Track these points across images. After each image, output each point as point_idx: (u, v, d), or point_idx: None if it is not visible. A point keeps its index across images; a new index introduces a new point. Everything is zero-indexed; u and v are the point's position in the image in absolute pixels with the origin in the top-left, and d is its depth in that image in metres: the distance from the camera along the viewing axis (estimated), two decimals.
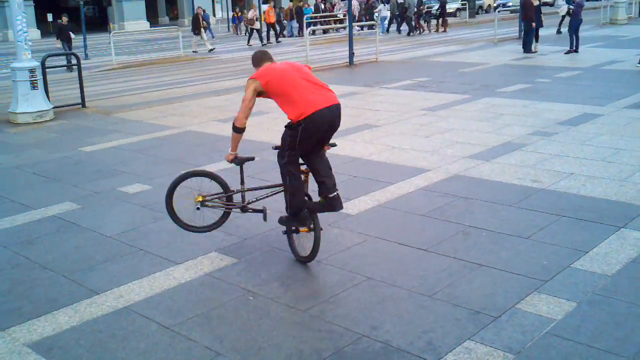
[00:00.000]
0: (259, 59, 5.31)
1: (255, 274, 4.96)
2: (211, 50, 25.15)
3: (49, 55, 13.10)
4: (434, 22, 31.92)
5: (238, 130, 5.12)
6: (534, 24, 19.16)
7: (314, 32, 28.29)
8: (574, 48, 18.82)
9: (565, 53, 18.80)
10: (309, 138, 4.80)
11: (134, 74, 19.20)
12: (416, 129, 9.70)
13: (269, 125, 10.43)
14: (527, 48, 19.39)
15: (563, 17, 24.73)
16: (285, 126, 4.95)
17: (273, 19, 29.57)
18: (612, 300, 4.35)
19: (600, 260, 4.94)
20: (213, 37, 32.56)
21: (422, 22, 30.87)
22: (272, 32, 30.07)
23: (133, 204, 6.76)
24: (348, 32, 18.83)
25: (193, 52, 25.24)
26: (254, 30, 28.22)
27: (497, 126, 9.69)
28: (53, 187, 7.49)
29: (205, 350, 3.92)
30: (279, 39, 29.83)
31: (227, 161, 5.24)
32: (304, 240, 5.18)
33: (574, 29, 18.71)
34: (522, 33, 20.29)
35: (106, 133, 10.44)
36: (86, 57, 23.98)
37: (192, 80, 16.82)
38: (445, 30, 31.08)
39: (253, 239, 5.64)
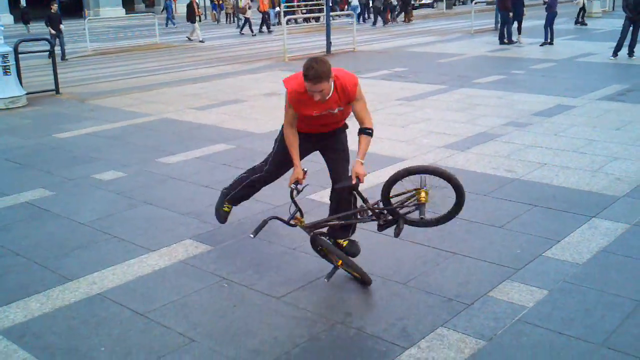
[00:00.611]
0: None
1: (230, 261, 4.95)
2: (201, 41, 24.20)
3: (22, 41, 12.89)
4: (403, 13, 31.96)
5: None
6: (511, 14, 19.30)
7: (295, 21, 28.06)
8: (549, 40, 18.98)
9: (540, 45, 18.97)
10: None
11: (109, 61, 18.99)
12: (392, 119, 9.73)
13: (245, 113, 10.39)
14: (503, 39, 19.51)
15: (580, 9, 25.17)
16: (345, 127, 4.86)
17: (267, 7, 28.71)
18: (583, 288, 4.42)
19: (571, 249, 5.01)
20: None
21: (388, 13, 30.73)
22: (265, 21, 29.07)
23: (107, 191, 6.70)
24: (325, 22, 18.79)
25: (188, 38, 24.64)
26: (247, 19, 27.38)
27: (472, 117, 9.75)
28: (26, 174, 7.40)
29: (179, 337, 3.91)
30: (271, 29, 28.97)
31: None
32: None
33: (549, 22, 18.87)
34: (499, 25, 20.39)
35: (80, 120, 10.32)
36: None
37: (168, 68, 16.68)
38: (408, 21, 30.96)
39: (228, 227, 5.62)
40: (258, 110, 10.59)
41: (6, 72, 11.48)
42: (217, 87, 13.20)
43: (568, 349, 3.71)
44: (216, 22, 36.67)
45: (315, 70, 4.10)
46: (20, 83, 11.94)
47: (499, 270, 4.71)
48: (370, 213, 4.60)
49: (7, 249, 5.27)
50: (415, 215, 4.48)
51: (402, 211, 4.50)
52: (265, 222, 4.27)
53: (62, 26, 18.91)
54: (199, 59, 18.64)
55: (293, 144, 4.54)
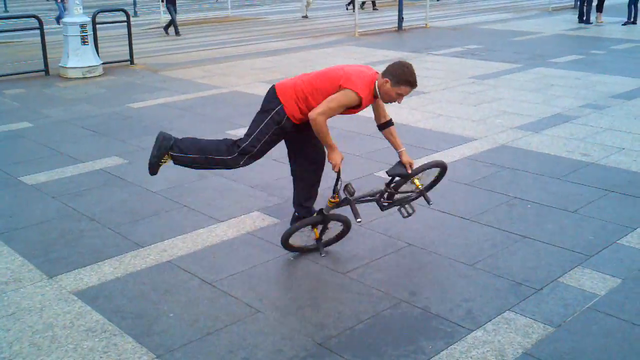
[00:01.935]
0: None
1: None
2: (304, 17, 22.81)
3: (100, 11, 13.21)
4: None
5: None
6: None
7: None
8: (632, 20, 18.18)
9: (622, 24, 18.20)
10: None
11: (182, 32, 19.27)
12: (464, 97, 9.55)
13: None
14: (582, 18, 18.79)
15: None
16: None
17: None
18: None
19: None
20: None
21: None
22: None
23: None
24: None
25: (303, 17, 23.16)
26: None
27: (547, 97, 9.47)
28: (101, 142, 7.62)
29: (245, 307, 3.97)
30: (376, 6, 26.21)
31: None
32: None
33: (633, 0, 18.06)
34: (579, 2, 19.63)
35: (153, 90, 10.54)
36: (135, 14, 24.14)
37: (239, 41, 16.81)
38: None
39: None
40: None
41: (84, 42, 11.80)
42: (287, 61, 13.23)
43: None
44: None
45: (415, 78, 4.32)
46: (97, 53, 12.26)
47: (571, 256, 4.58)
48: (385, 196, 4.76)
49: (82, 214, 5.45)
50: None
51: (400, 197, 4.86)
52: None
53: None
54: (270, 32, 18.70)
55: (325, 130, 4.37)
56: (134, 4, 25.06)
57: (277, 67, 12.46)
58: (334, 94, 4.32)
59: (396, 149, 4.71)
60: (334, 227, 4.73)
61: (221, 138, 4.72)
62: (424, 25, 18.98)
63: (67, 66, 11.79)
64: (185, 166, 4.67)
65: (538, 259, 4.55)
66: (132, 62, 13.13)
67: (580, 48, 14.25)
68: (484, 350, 3.51)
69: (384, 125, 4.73)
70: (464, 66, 12.21)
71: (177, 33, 18.29)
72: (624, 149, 6.94)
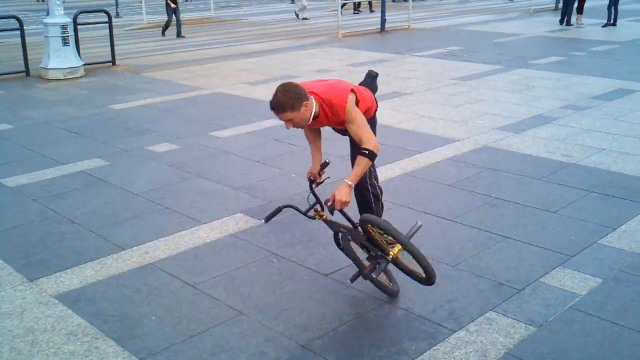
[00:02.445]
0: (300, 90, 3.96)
1: (280, 236, 4.98)
2: (305, 19, 22.38)
3: (81, 12, 13.11)
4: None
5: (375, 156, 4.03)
6: None
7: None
8: (612, 21, 18.37)
9: (602, 26, 18.37)
10: None
11: (165, 33, 19.17)
12: (446, 99, 9.59)
13: None
14: (564, 20, 18.94)
15: None
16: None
17: None
18: (639, 277, 4.30)
19: (628, 238, 4.88)
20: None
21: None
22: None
23: (161, 162, 6.80)
24: None
25: (303, 19, 22.50)
26: None
27: (528, 98, 9.53)
28: (82, 143, 7.56)
29: (228, 309, 3.96)
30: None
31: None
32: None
33: (613, 2, 18.24)
34: (561, 4, 19.74)
35: (136, 92, 10.48)
36: (117, 15, 24.00)
37: (222, 42, 16.76)
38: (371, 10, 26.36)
39: (278, 202, 5.64)
40: None
41: (66, 42, 11.70)
42: (269, 62, 13.22)
43: (621, 339, 3.62)
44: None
45: (277, 100, 3.85)
46: (79, 54, 12.17)
47: (552, 256, 4.61)
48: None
49: (63, 217, 5.41)
50: None
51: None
52: (279, 210, 4.01)
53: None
54: (252, 34, 18.67)
55: (310, 139, 4.33)
56: (116, 4, 24.89)
57: (259, 69, 12.44)
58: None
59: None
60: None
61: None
62: (407, 26, 19.03)
63: (48, 67, 11.69)
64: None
65: (520, 259, 4.58)
66: (114, 63, 13.04)
67: (561, 49, 14.37)
68: (466, 351, 3.53)
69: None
70: (446, 67, 12.26)
71: (178, 34, 17.99)
72: (604, 149, 7.01)
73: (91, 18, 17.13)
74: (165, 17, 18.43)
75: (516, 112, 8.74)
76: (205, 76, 11.79)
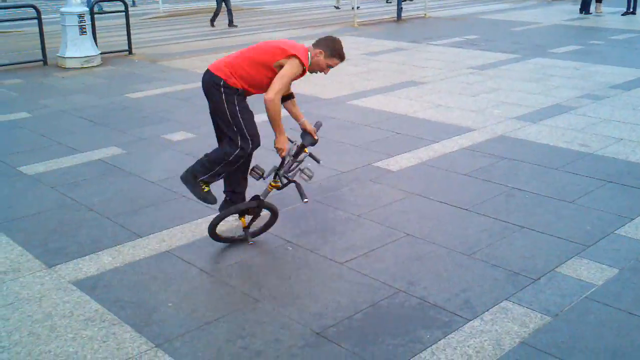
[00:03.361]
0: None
1: (294, 225, 5.00)
2: (337, 7, 21.74)
3: (98, 1, 13.17)
4: None
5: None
6: None
7: None
8: (632, 10, 18.16)
9: (622, 14, 18.17)
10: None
11: (181, 22, 19.22)
12: (463, 88, 9.54)
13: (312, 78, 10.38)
14: (584, 9, 18.71)
15: None
16: None
17: None
18: None
19: None
20: None
21: None
22: None
23: (177, 151, 6.84)
24: None
25: (335, 7, 21.93)
26: None
27: (546, 88, 9.46)
28: (99, 132, 7.62)
29: (244, 297, 3.99)
30: None
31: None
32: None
33: None
34: None
35: (152, 80, 10.52)
36: (133, 4, 24.07)
37: (237, 31, 16.76)
38: None
39: (293, 190, 5.64)
40: (325, 76, 10.52)
41: (83, 31, 11.76)
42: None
43: (637, 330, 3.60)
44: None
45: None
46: (95, 43, 12.23)
47: (568, 246, 4.59)
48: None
49: (81, 204, 5.46)
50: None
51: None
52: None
53: None
54: (269, 22, 18.65)
55: (280, 112, 4.43)
56: None
57: None
58: (277, 65, 4.38)
59: (297, 119, 4.85)
60: (262, 217, 4.77)
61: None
62: (423, 15, 18.93)
63: (65, 56, 11.76)
64: (221, 177, 4.72)
65: (535, 249, 4.56)
66: (130, 52, 13.10)
67: (580, 38, 14.23)
68: (481, 340, 3.53)
69: (287, 97, 4.74)
70: (462, 56, 12.19)
71: (230, 23, 17.33)
72: (622, 139, 6.95)
73: (108, 7, 17.19)
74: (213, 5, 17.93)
75: (533, 101, 8.67)
76: None
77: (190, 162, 6.42)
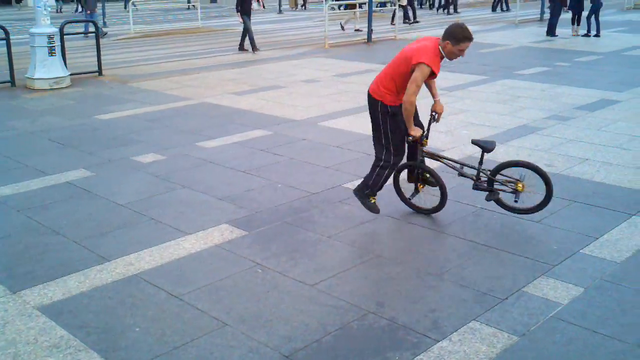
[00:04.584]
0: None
1: (265, 247, 4.99)
2: (357, 30, 21.14)
3: (68, 22, 13.10)
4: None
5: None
6: (565, 8, 19.09)
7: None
8: (591, 32, 18.69)
9: (582, 36, 18.64)
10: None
11: (152, 43, 19.19)
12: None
13: (283, 100, 10.41)
14: (550, 31, 19.10)
15: None
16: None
17: None
18: (620, 287, 4.34)
19: (610, 247, 4.93)
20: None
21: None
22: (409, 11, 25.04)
23: (147, 173, 6.80)
24: (367, 9, 18.66)
25: (356, 30, 21.27)
26: (401, 7, 23.66)
27: (513, 109, 9.61)
28: (68, 154, 7.54)
29: (212, 321, 3.96)
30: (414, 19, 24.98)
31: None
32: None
33: (592, 12, 18.54)
34: (549, 16, 19.83)
35: (122, 102, 10.47)
36: (104, 25, 23.97)
37: (208, 52, 16.78)
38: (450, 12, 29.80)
39: (264, 213, 5.66)
40: (296, 97, 10.60)
41: (51, 53, 11.68)
42: (256, 73, 13.25)
43: (602, 348, 3.65)
44: (294, 8, 35.41)
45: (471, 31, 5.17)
46: (65, 64, 12.15)
47: (535, 265, 4.65)
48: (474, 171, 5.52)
49: (47, 228, 5.39)
50: (508, 198, 5.42)
51: (498, 187, 5.40)
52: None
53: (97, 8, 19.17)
54: (239, 44, 18.69)
55: (413, 112, 5.22)
56: (103, 14, 24.86)
57: (245, 79, 12.47)
58: (409, 72, 5.12)
59: (434, 97, 5.73)
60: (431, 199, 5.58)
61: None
62: (393, 37, 19.15)
63: (33, 77, 11.66)
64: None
65: (503, 269, 4.61)
66: (100, 74, 13.03)
67: (546, 60, 14.50)
68: None
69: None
70: None
71: (253, 48, 16.57)
72: (587, 159, 7.08)
73: (78, 28, 17.11)
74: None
75: (501, 122, 8.80)
76: (191, 86, 11.80)
77: (160, 184, 6.42)
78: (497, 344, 3.70)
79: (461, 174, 5.50)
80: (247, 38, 16.74)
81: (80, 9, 29.73)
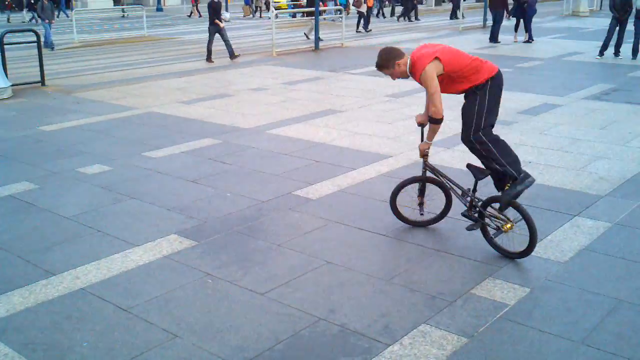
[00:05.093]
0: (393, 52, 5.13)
1: (215, 256, 4.96)
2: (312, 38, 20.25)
3: (8, 32, 12.78)
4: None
5: (439, 121, 5.21)
6: (508, 15, 19.61)
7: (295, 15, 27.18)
8: (528, 38, 19.30)
9: (523, 42, 19.22)
10: (495, 97, 5.20)
11: (96, 53, 18.88)
12: (379, 115, 9.75)
13: (232, 108, 10.37)
14: (493, 38, 19.55)
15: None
16: (470, 92, 5.20)
17: (371, 3, 25.67)
18: (564, 286, 4.46)
19: (554, 248, 5.06)
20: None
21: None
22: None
23: (93, 184, 6.67)
24: (314, 17, 18.76)
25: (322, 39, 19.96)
26: (361, 14, 24.24)
27: (458, 114, 9.74)
28: (10, 167, 7.35)
29: (162, 333, 3.91)
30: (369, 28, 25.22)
31: (423, 150, 5.36)
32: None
33: (529, 19, 19.11)
34: (492, 23, 20.28)
35: (66, 112, 10.26)
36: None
37: (154, 61, 16.60)
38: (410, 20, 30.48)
39: (213, 222, 5.63)
40: (245, 105, 10.57)
41: None
42: (204, 81, 13.16)
43: (548, 346, 3.75)
44: (251, 16, 35.28)
45: (377, 61, 5.12)
46: (6, 74, 11.84)
47: (482, 267, 4.74)
48: (468, 199, 5.16)
49: None
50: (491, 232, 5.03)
51: (486, 220, 5.03)
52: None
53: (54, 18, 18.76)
54: (186, 52, 18.56)
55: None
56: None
57: (193, 88, 12.37)
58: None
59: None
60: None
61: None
62: (340, 44, 19.28)
63: None
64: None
65: (452, 272, 4.69)
66: (43, 84, 12.75)
67: None
68: None
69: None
70: (379, 85, 12.47)
71: (231, 56, 16.32)
72: (530, 162, 7.25)
73: (19, 37, 16.72)
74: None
75: (447, 127, 8.93)
76: (138, 96, 11.64)
77: (106, 195, 6.30)
78: (446, 346, 3.75)
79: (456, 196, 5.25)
80: (225, 46, 16.33)
81: (36, 19, 28.86)
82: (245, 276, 4.64)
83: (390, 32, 23.84)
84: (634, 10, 15.23)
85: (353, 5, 25.32)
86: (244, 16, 34.89)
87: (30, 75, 13.27)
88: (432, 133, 5.26)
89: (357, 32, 24.11)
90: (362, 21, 24.67)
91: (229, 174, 6.97)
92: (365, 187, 6.52)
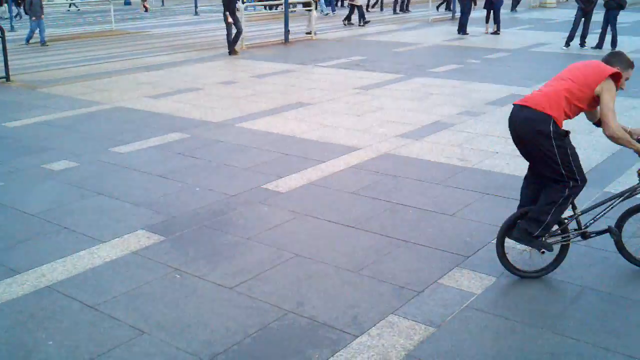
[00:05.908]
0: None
1: (183, 252, 4.93)
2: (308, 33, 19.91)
3: None
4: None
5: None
6: (474, 5, 19.75)
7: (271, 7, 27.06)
8: (497, 30, 19.48)
9: (491, 33, 19.37)
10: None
11: (62, 47, 18.57)
12: (349, 108, 9.77)
13: (200, 102, 10.31)
14: (461, 29, 19.68)
15: None
16: None
17: None
18: None
19: None
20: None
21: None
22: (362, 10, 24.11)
23: (59, 181, 6.58)
24: (284, 9, 18.69)
25: (307, 33, 19.97)
26: (355, 7, 23.55)
27: (427, 105, 9.84)
28: None
29: (129, 329, 3.88)
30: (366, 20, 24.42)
31: None
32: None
33: (497, 11, 19.29)
34: (460, 14, 20.41)
35: (32, 108, 10.10)
36: (12, 29, 23.03)
37: (122, 55, 16.39)
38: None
39: (181, 217, 5.59)
40: (214, 99, 10.51)
41: None
42: (171, 75, 13.05)
43: (513, 334, 3.80)
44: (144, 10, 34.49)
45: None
46: None
47: (450, 257, 4.79)
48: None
49: None
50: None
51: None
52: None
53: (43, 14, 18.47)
54: (153, 46, 18.36)
55: (623, 134, 4.34)
56: (10, 18, 23.92)
57: (161, 82, 12.25)
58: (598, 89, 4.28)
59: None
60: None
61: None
62: (310, 37, 19.24)
63: None
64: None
65: (419, 262, 4.72)
66: (8, 79, 12.52)
67: (457, 58, 14.91)
68: (368, 355, 3.60)
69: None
70: (348, 77, 12.49)
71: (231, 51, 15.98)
72: (497, 152, 7.33)
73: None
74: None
75: (415, 119, 9.00)
76: (105, 90, 11.50)
77: (73, 191, 6.23)
78: (414, 336, 3.79)
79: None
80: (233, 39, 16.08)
81: (21, 15, 28.14)
82: (213, 271, 4.62)
83: (349, 26, 23.87)
84: (600, 2, 15.46)
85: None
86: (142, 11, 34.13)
87: None
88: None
89: (345, 24, 23.89)
90: (354, 14, 24.44)
91: (197, 168, 6.93)
92: (334, 179, 6.53)
